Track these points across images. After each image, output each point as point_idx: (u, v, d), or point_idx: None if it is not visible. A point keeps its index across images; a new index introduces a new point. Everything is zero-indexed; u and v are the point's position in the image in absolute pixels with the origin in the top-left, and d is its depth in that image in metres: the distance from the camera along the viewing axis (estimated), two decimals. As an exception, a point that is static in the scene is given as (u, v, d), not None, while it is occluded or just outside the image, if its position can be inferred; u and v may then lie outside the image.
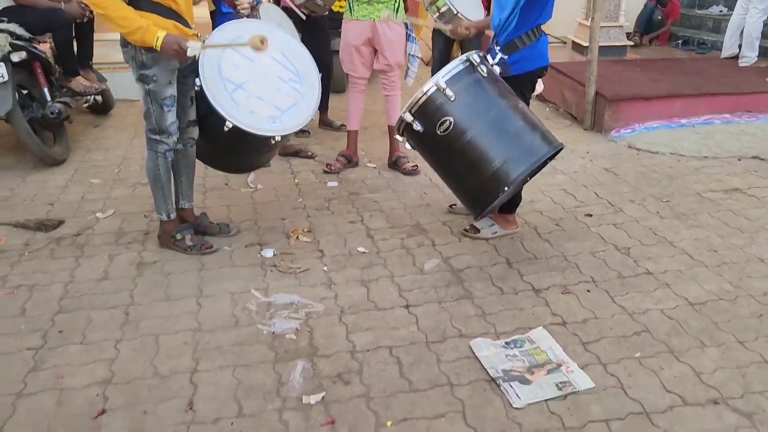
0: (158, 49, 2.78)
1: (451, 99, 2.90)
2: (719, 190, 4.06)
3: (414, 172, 4.42)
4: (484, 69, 2.99)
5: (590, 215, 3.73)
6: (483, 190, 2.96)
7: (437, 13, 4.36)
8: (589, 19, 6.54)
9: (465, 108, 2.92)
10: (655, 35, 7.53)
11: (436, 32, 4.90)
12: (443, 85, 2.89)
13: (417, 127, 2.98)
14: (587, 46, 6.30)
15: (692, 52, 7.05)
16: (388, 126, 4.56)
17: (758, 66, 6.16)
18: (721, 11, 7.60)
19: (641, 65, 6.25)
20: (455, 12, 4.29)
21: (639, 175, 4.35)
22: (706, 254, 3.25)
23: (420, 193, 4.12)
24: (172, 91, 3.01)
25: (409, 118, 2.99)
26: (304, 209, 3.88)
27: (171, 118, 3.05)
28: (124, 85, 6.13)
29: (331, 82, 5.71)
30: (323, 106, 5.42)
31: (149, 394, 2.27)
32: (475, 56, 2.99)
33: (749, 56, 6.18)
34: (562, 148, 3.02)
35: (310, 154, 4.82)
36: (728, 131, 5.03)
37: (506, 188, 2.88)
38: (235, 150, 3.41)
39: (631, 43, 7.05)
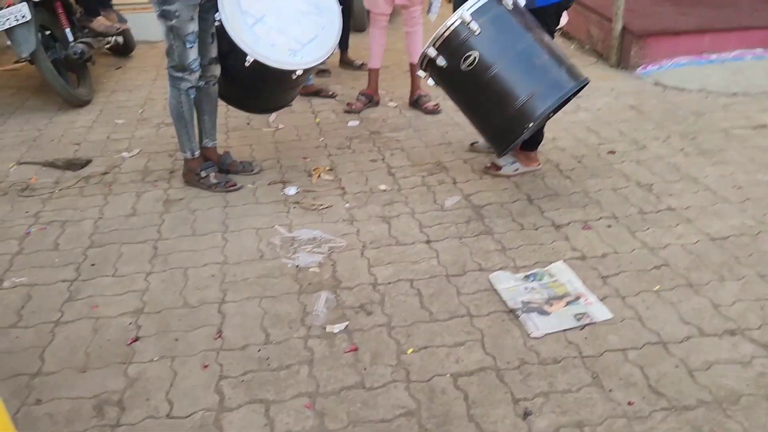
0: None
1: (476, 33, 2.85)
2: (747, 126, 3.99)
3: (435, 110, 4.40)
4: (510, 1, 2.93)
5: (613, 152, 3.70)
6: (507, 126, 2.95)
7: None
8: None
9: (490, 42, 2.89)
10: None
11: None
12: (468, 18, 2.85)
13: (441, 62, 2.95)
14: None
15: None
16: (410, 64, 4.51)
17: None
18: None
19: (671, -1, 6.05)
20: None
21: (664, 112, 4.28)
22: (730, 190, 3.23)
23: (441, 131, 4.11)
24: (194, 27, 3.01)
25: (432, 53, 2.96)
26: (325, 148, 3.90)
27: (193, 54, 3.06)
28: (145, 26, 6.11)
29: (351, 20, 5.64)
30: (343, 45, 5.37)
31: (180, 322, 2.36)
32: (499, -12, 2.92)
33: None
34: (587, 83, 2.98)
35: (330, 93, 4.81)
36: (760, 66, 4.90)
37: (531, 124, 2.86)
38: (257, 87, 3.42)
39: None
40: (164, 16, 2.94)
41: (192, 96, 3.18)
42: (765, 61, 5.00)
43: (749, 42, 5.12)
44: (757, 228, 2.89)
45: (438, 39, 2.93)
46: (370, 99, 4.57)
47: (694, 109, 4.32)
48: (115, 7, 5.38)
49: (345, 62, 5.46)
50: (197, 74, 3.13)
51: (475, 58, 2.87)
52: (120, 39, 5.49)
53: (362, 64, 5.33)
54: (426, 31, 4.36)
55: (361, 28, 6.30)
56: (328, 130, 4.19)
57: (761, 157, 3.57)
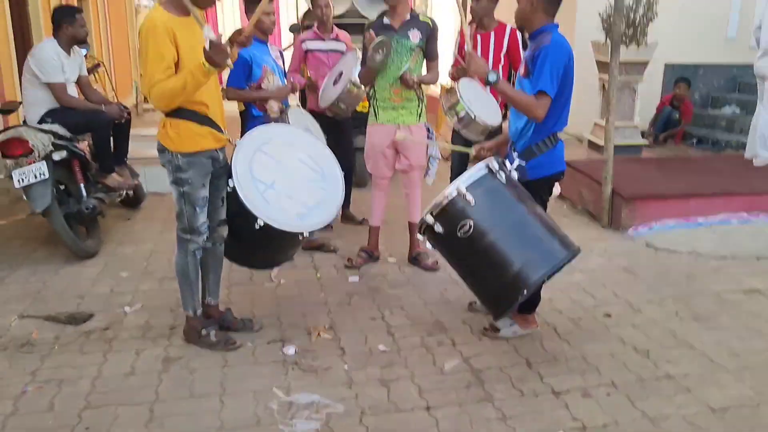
0: (213, 69, 2.87)
1: (471, 203, 3.02)
2: (738, 290, 4.08)
3: (434, 268, 4.51)
4: (503, 175, 3.12)
5: (609, 315, 3.75)
6: (502, 292, 3.04)
7: (456, 118, 4.57)
8: (605, 120, 6.80)
9: (485, 212, 3.05)
10: (670, 134, 7.72)
11: (455, 133, 5.08)
12: (464, 191, 3.03)
13: (438, 229, 3.10)
14: (603, 146, 6.50)
15: (707, 151, 7.21)
16: (409, 222, 4.69)
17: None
18: (733, 111, 7.80)
19: (657, 164, 6.40)
20: (473, 117, 4.48)
21: (657, 275, 4.39)
22: (727, 358, 3.25)
23: (440, 289, 4.19)
24: (205, 192, 3.18)
25: (430, 220, 3.11)
26: (325, 304, 3.95)
27: (202, 218, 3.20)
28: (155, 178, 6.40)
29: (354, 177, 5.92)
30: (345, 202, 5.58)
31: (171, 495, 2.29)
32: (494, 163, 3.13)
33: (764, 155, 6.29)
34: (579, 253, 3.10)
35: (332, 248, 4.94)
36: (746, 231, 5.08)
37: (525, 291, 2.95)
38: (264, 246, 3.54)
39: (646, 142, 7.24)
40: (177, 182, 3.12)
41: (198, 256, 3.29)
42: (750, 225, 5.20)
43: (734, 207, 5.34)
44: (756, 399, 2.88)
45: (436, 208, 3.09)
46: (371, 255, 4.70)
47: (685, 271, 4.43)
48: (128, 161, 5.66)
49: (347, 218, 5.66)
50: (205, 236, 3.26)
51: (470, 227, 3.02)
52: (131, 192, 5.72)
53: (363, 220, 5.52)
54: (424, 190, 4.59)
55: (363, 184, 6.58)
56: (329, 285, 4.27)
57: (755, 323, 3.62)
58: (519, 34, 4.95)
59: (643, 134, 7.42)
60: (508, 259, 2.99)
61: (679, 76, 7.85)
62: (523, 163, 3.27)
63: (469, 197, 3.02)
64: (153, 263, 4.64)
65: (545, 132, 3.29)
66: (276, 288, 4.22)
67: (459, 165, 5.16)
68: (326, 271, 4.54)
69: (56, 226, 4.40)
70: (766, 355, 3.27)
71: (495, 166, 3.13)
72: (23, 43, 6.98)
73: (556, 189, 3.52)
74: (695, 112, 8.00)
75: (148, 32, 2.90)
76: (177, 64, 2.95)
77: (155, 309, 3.85)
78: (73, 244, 4.50)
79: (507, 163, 3.26)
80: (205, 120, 3.10)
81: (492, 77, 3.15)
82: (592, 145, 7.25)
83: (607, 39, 6.58)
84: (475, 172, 3.11)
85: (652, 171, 6.09)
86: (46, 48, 4.69)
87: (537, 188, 3.31)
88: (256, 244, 3.49)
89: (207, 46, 2.86)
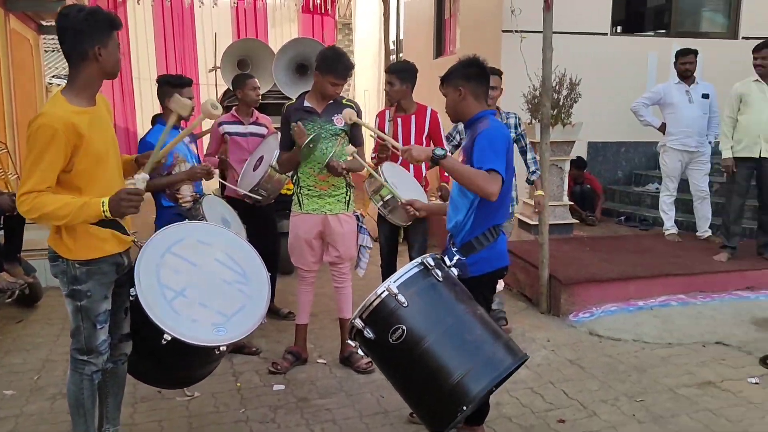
0: (109, 216, 2.50)
1: (404, 305, 2.67)
2: (692, 384, 3.85)
3: (368, 369, 4.09)
4: (440, 273, 2.80)
5: (563, 421, 3.43)
6: (441, 408, 2.65)
7: (381, 202, 4.27)
8: (533, 200, 6.69)
9: (419, 315, 2.70)
10: (600, 210, 7.71)
11: (381, 218, 4.77)
12: (395, 290, 2.68)
13: (368, 334, 2.72)
14: (534, 225, 6.35)
15: (635, 229, 7.20)
16: (340, 319, 4.29)
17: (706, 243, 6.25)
18: (657, 188, 7.89)
19: (589, 244, 6.29)
20: (400, 201, 4.20)
21: (606, 368, 4.13)
22: (695, 469, 2.97)
23: (376, 396, 3.77)
24: (107, 305, 2.70)
25: (359, 324, 2.74)
26: (246, 422, 3.47)
27: (102, 335, 2.71)
28: (55, 272, 5.76)
29: (279, 264, 5.48)
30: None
31: None
32: (429, 259, 2.81)
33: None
34: (526, 360, 2.78)
35: (254, 349, 4.45)
36: (686, 314, 4.94)
37: (464, 407, 2.58)
38: (174, 364, 3.05)
39: (577, 221, 7.17)
40: (73, 296, 2.62)
41: (96, 380, 2.76)
42: (689, 307, 5.06)
43: (672, 288, 5.23)
44: None
45: (365, 310, 2.72)
46: (298, 357, 4.25)
47: (633, 363, 4.19)
48: (23, 253, 5.05)
49: (271, 311, 5.16)
50: (105, 356, 2.75)
51: (403, 332, 2.65)
52: (26, 290, 5.08)
53: (289, 313, 5.09)
54: (356, 280, 4.24)
55: (288, 272, 6.13)
56: (250, 397, 3.77)
57: (716, 423, 3.37)
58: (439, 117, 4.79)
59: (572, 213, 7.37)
60: (447, 369, 2.60)
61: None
62: (464, 259, 2.98)
63: (402, 298, 2.67)
64: (45, 376, 4.01)
65: (485, 224, 3.01)
66: (189, 404, 3.68)
67: (389, 250, 4.85)
68: (247, 378, 4.04)
69: (-75, 340, 3.76)
70: (734, 463, 3.01)
71: (431, 262, 2.80)
72: None
73: (500, 285, 3.23)
74: (620, 190, 8.08)
75: (43, 133, 2.42)
76: (73, 160, 2.51)
77: (41, 439, 3.26)
78: (-56, 360, 3.85)
79: (446, 259, 2.96)
80: (108, 222, 2.63)
81: (439, 152, 2.87)
82: (521, 224, 7.12)
83: (533, 119, 6.55)
84: (408, 268, 2.77)
85: (586, 252, 5.96)
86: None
87: (479, 286, 2.99)
88: (165, 361, 2.99)
89: (122, 194, 2.49)
